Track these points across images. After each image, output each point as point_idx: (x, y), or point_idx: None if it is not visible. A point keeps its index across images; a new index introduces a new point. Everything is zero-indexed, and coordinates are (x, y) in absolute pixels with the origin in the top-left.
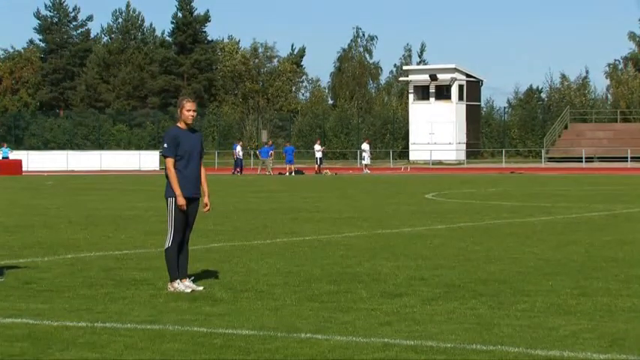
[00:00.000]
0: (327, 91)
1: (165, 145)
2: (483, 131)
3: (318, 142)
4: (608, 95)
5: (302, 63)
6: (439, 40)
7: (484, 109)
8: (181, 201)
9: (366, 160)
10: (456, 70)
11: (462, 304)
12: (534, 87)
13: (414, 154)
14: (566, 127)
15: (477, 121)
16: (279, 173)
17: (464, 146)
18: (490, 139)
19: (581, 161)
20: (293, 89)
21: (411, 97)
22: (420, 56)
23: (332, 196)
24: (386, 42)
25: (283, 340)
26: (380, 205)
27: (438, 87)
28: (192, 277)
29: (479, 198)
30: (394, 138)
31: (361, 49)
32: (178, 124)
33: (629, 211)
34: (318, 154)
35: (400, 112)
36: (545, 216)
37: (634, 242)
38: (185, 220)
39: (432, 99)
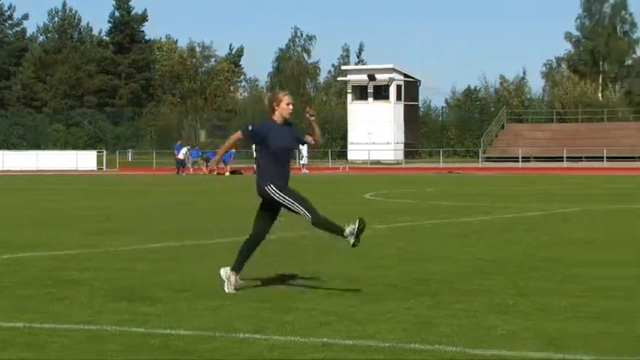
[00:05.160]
0: (265, 90)
1: (251, 127)
2: (421, 131)
3: None
4: (545, 96)
5: (240, 63)
6: (377, 40)
7: (422, 109)
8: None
9: (304, 160)
10: (393, 70)
11: (401, 304)
12: (472, 87)
13: (352, 154)
14: (503, 127)
15: (415, 121)
16: (218, 173)
17: (402, 146)
18: (428, 139)
19: (518, 161)
20: (231, 89)
21: (349, 97)
22: (358, 56)
23: None
24: (324, 42)
25: (222, 340)
26: (319, 205)
27: (376, 87)
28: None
29: (417, 198)
30: (332, 138)
31: (299, 49)
32: (273, 118)
33: (566, 210)
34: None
35: (338, 112)
36: (483, 216)
37: (570, 242)
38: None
39: (370, 99)
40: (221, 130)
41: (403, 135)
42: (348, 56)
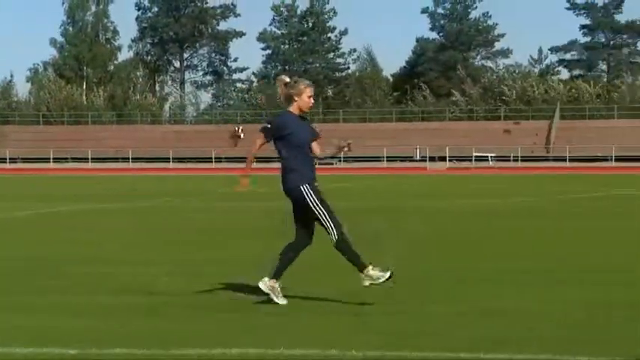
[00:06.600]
0: None
1: (269, 125)
2: None
3: None
4: (31, 98)
5: None
6: None
7: None
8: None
9: None
10: None
11: None
12: None
13: None
14: None
15: None
16: None
17: None
18: None
19: (6, 162)
20: None
21: None
22: None
23: None
24: None
25: None
26: None
27: None
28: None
29: None
30: None
31: None
32: (291, 109)
33: (62, 210)
34: None
35: None
36: None
37: (72, 242)
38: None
39: None
40: None
41: None
42: None
